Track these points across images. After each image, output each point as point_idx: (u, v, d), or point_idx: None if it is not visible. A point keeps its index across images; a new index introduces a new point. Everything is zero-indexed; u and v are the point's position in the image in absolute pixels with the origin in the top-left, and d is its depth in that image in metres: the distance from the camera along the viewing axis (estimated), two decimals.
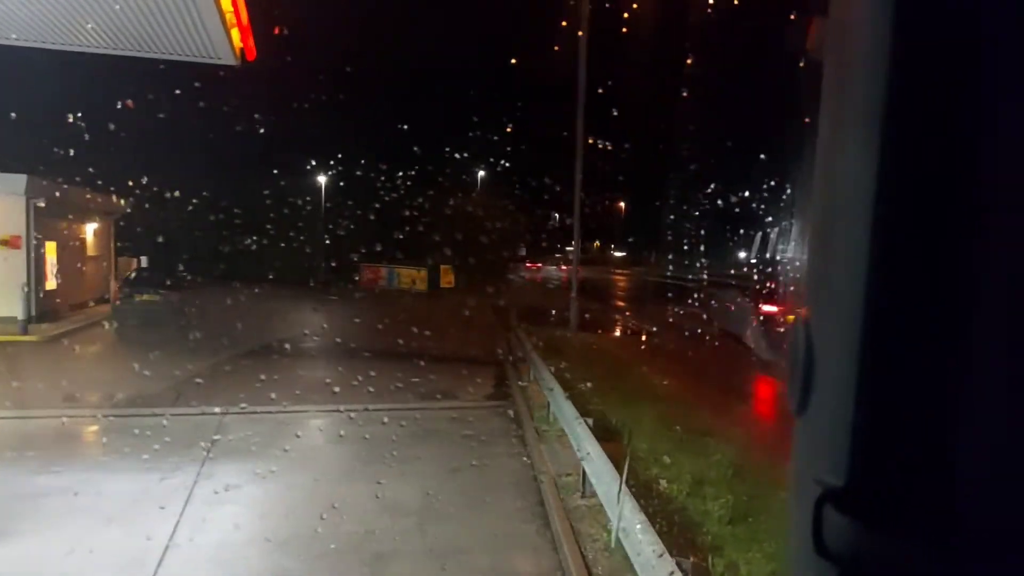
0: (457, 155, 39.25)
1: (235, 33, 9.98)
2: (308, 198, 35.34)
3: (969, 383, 0.52)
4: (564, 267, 42.51)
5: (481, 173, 43.60)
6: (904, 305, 0.55)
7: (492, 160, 42.16)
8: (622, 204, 60.14)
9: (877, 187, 0.54)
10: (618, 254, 65.00)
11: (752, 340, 17.54)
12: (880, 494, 0.56)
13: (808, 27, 0.70)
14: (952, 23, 0.52)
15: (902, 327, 0.55)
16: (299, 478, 8.21)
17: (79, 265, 22.39)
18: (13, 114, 18.44)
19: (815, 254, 0.64)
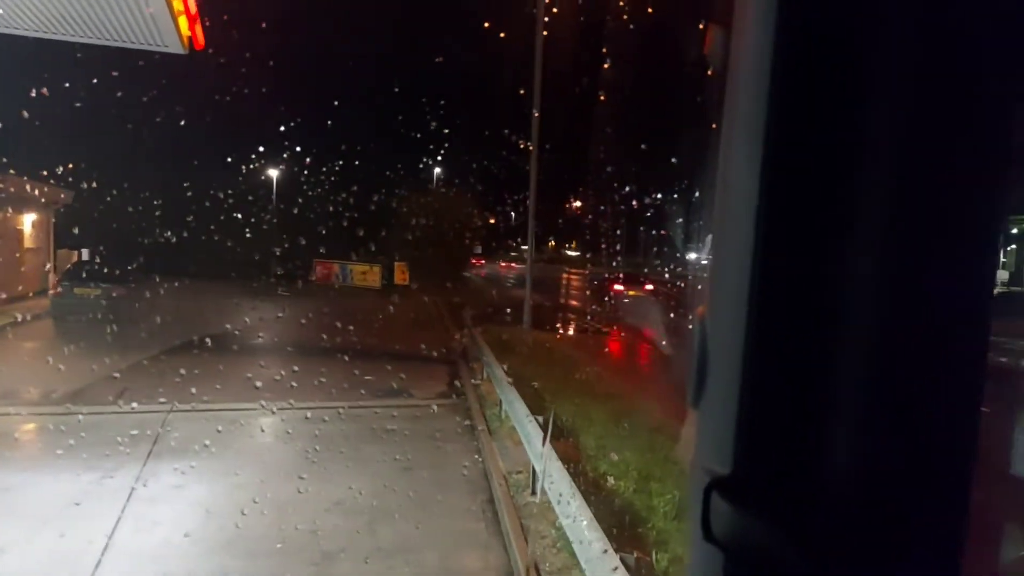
0: (412, 152, 39.08)
1: (183, 21, 9.72)
2: (260, 193, 34.72)
3: (843, 379, 0.55)
4: (516, 264, 42.68)
5: (437, 171, 43.47)
6: (784, 304, 0.58)
7: (448, 158, 42.10)
8: (576, 203, 60.62)
9: (760, 190, 0.57)
10: (572, 253, 65.51)
11: (655, 334, 18.17)
12: (759, 482, 0.59)
13: (706, 34, 0.73)
14: (831, 28, 0.55)
15: (782, 326, 0.58)
16: (245, 477, 8.05)
17: (15, 256, 21.53)
18: None
19: (713, 254, 0.67)
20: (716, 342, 0.64)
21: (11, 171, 20.73)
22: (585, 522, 5.04)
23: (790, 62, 0.55)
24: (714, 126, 0.68)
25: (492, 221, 42.66)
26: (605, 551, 4.52)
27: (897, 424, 0.55)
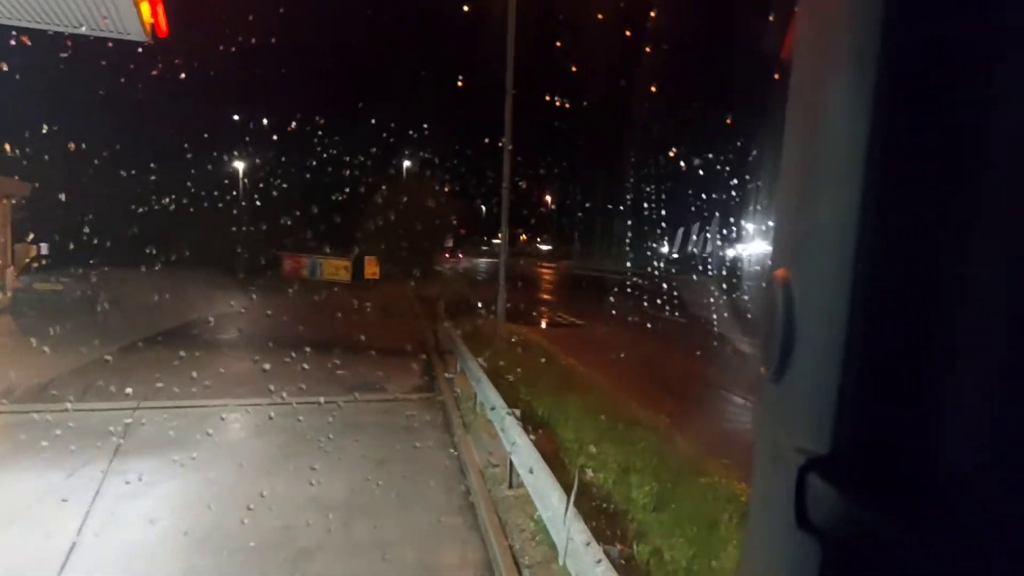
0: (383, 144, 38.72)
1: (144, 7, 9.43)
2: (226, 186, 34.07)
3: (962, 347, 0.50)
4: (487, 259, 42.68)
5: (407, 163, 43.13)
6: (896, 264, 0.53)
7: (419, 150, 41.81)
8: (549, 198, 60.76)
9: (868, 151, 0.53)
10: (545, 247, 65.60)
11: None
12: (867, 462, 0.53)
13: (786, 34, 0.70)
14: (947, 20, 0.51)
15: (893, 287, 0.53)
16: (221, 470, 7.88)
17: None
18: None
19: (796, 218, 0.62)
20: (807, 310, 0.58)
21: None
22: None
23: (900, 55, 0.52)
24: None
25: (464, 215, 42.54)
26: (588, 543, 4.48)
27: None
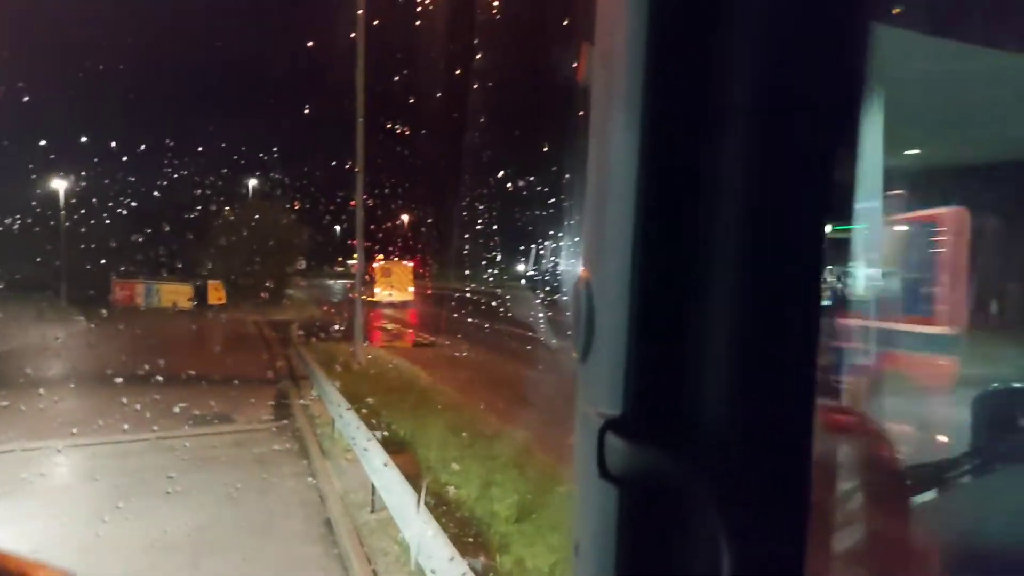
0: (229, 165, 36.85)
1: None
2: (44, 207, 30.84)
3: (713, 331, 0.66)
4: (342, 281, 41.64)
5: (254, 184, 41.26)
6: (661, 264, 0.68)
7: (267, 171, 40.19)
8: (405, 218, 60.25)
9: (639, 174, 0.67)
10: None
11: None
12: (649, 419, 0.68)
13: (581, 57, 0.81)
14: (693, 44, 0.66)
15: (663, 281, 0.68)
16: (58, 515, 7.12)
17: None
18: None
19: (593, 227, 0.75)
20: (603, 301, 0.72)
21: None
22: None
23: (660, 77, 0.66)
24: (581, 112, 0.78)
25: (317, 237, 41.22)
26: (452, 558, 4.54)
27: (759, 368, 0.65)
